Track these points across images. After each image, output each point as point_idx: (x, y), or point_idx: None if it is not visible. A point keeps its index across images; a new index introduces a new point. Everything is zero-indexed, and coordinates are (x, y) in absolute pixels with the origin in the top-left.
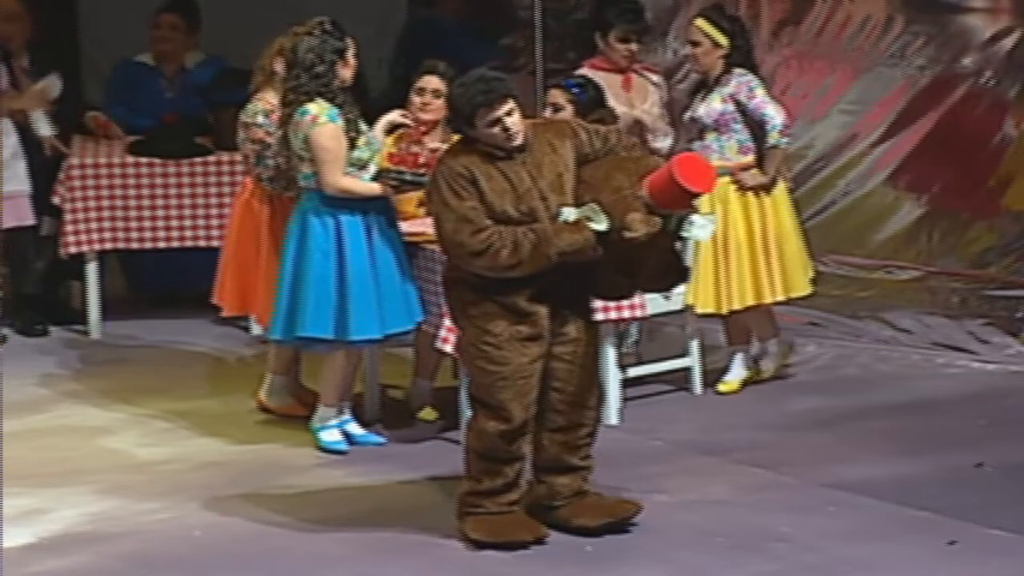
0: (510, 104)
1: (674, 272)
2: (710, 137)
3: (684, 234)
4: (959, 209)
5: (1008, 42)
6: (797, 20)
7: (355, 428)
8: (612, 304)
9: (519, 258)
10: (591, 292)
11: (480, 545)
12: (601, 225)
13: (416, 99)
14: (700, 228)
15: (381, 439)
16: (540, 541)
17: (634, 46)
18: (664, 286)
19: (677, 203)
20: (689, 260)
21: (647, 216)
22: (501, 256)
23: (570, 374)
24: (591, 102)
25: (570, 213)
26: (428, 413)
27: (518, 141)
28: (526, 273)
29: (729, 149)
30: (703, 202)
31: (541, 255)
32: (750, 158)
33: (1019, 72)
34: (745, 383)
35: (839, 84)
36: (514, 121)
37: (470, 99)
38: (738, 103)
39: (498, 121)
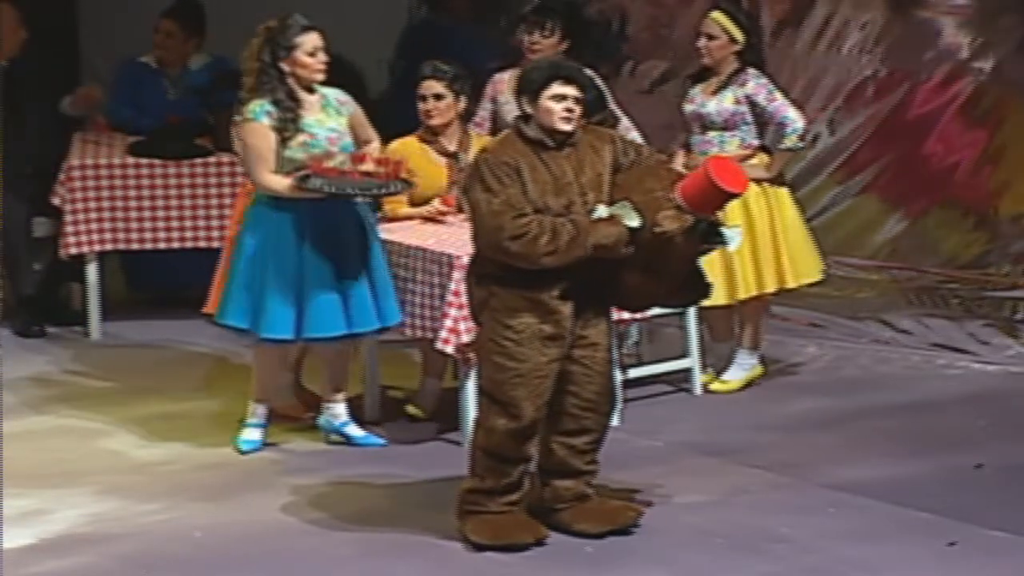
0: (580, 93)
1: (697, 286)
2: (712, 133)
3: (712, 243)
4: (959, 210)
5: (1006, 45)
6: (797, 21)
7: (354, 430)
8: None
9: (556, 246)
10: (613, 301)
11: (480, 547)
12: (634, 222)
13: (420, 105)
14: (729, 239)
15: (381, 440)
16: (540, 542)
17: (537, 37)
18: (686, 301)
19: (711, 205)
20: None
21: (678, 215)
22: (540, 242)
23: (587, 379)
24: (597, 102)
25: (603, 210)
26: (412, 408)
27: (571, 127)
28: (559, 264)
29: (730, 145)
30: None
31: (577, 246)
32: (748, 153)
33: (1016, 74)
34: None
35: (839, 85)
36: (575, 106)
37: (551, 68)
38: (754, 104)
39: (564, 97)
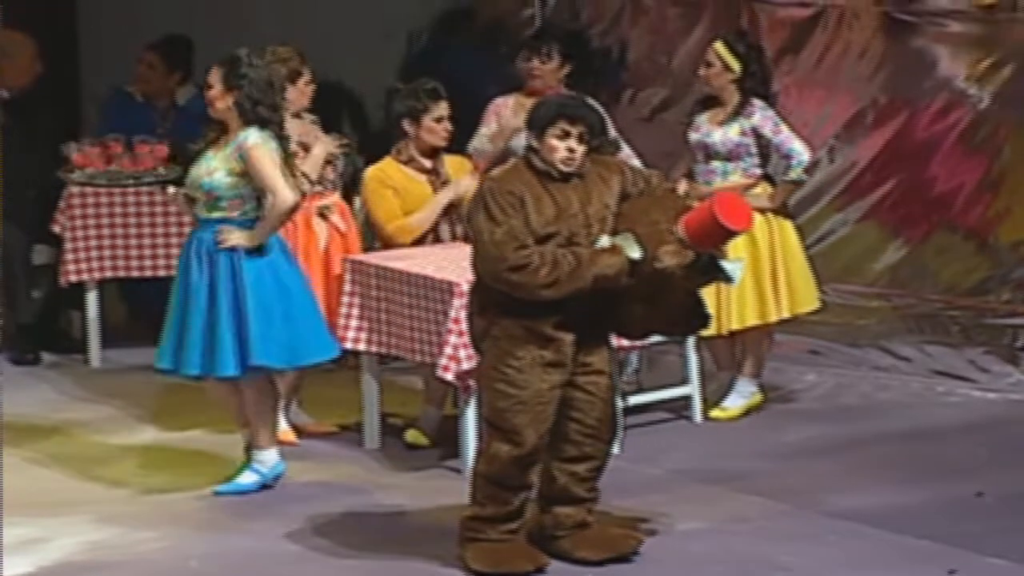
0: (585, 131)
1: (696, 317)
2: (716, 163)
3: (714, 278)
4: (959, 237)
5: (1005, 72)
6: (796, 48)
7: (242, 478)
8: None
9: (556, 277)
10: (612, 328)
11: (480, 575)
12: (635, 253)
13: (437, 126)
14: (731, 273)
15: (242, 487)
16: (540, 570)
17: (535, 63)
18: (685, 330)
19: (713, 241)
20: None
21: (679, 249)
22: (540, 273)
23: (590, 406)
24: (598, 127)
25: (605, 241)
26: (413, 435)
27: (572, 169)
28: (560, 295)
29: (733, 175)
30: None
31: (578, 277)
32: (751, 182)
33: (1015, 101)
34: (748, 411)
35: (838, 112)
36: (577, 147)
37: (560, 107)
38: (760, 136)
39: (567, 136)
